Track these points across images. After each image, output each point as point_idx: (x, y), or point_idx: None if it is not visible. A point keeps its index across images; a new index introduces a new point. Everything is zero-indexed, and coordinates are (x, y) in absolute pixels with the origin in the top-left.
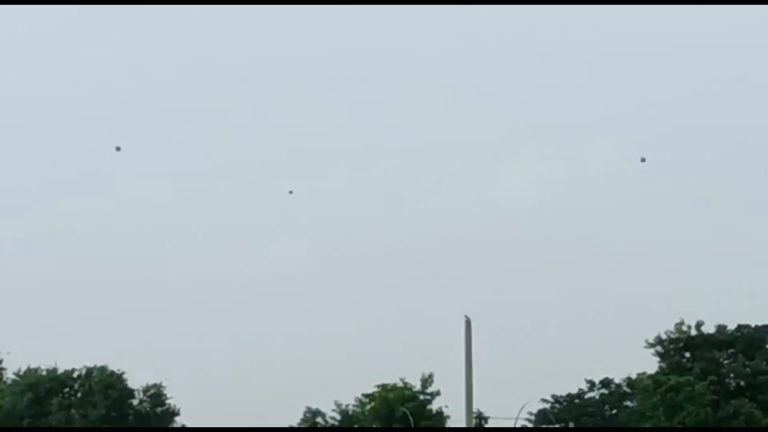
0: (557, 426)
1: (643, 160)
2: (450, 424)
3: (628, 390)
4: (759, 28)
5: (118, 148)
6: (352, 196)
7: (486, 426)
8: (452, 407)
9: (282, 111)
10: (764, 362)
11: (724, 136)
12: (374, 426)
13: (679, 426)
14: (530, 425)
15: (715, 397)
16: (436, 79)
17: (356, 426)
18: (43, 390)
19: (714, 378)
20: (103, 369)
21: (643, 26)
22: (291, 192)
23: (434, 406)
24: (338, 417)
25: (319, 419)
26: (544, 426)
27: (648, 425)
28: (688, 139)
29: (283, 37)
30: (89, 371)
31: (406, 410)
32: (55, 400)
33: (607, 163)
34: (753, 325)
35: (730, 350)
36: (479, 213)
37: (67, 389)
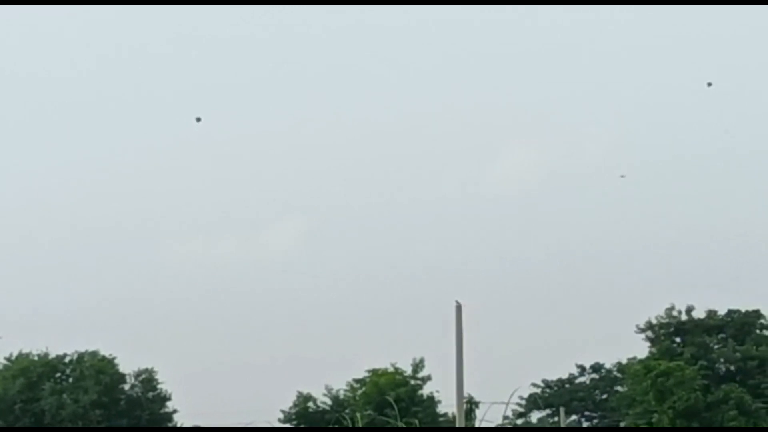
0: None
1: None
2: (441, 409)
3: (618, 375)
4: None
5: (198, 119)
6: (343, 182)
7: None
8: (443, 392)
9: (277, 104)
10: (754, 347)
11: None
12: (366, 411)
13: (669, 410)
14: (521, 410)
15: (706, 381)
16: (431, 66)
17: (347, 411)
18: (35, 375)
19: (704, 363)
20: (94, 354)
21: (640, 19)
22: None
23: (425, 391)
24: (329, 402)
25: (310, 404)
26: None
27: (638, 410)
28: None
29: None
30: (81, 356)
31: (390, 399)
32: (47, 385)
33: (600, 151)
34: (743, 310)
35: (721, 335)
36: (470, 198)
37: (58, 374)
